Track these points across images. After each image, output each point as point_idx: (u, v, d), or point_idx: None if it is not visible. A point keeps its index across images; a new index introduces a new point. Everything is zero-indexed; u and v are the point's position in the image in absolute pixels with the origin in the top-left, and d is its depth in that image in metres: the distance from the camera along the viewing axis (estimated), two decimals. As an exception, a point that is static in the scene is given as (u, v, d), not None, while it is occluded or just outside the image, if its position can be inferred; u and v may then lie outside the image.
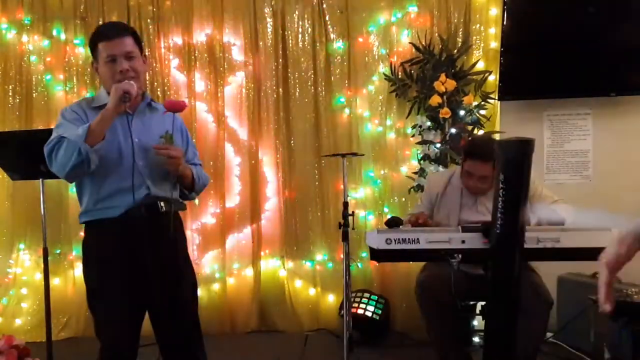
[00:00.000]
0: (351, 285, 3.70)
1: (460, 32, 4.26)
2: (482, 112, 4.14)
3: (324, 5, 4.38)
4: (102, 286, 2.23)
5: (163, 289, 2.25)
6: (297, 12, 4.40)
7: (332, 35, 4.39)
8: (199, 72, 4.45)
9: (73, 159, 2.07)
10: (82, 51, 4.44)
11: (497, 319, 2.28)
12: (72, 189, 4.13)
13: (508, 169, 2.13)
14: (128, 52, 2.21)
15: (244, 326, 4.40)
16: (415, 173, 4.19)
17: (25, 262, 4.47)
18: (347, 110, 4.42)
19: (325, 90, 4.41)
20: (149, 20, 4.41)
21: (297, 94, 4.42)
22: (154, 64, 4.39)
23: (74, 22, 4.43)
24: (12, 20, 4.46)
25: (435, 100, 4.04)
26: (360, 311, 4.00)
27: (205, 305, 4.33)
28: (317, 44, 4.40)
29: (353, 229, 3.35)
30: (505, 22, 3.98)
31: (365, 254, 4.27)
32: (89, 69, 4.39)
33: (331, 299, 4.41)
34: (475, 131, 4.09)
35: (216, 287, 4.44)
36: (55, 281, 4.30)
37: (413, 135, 4.26)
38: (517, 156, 2.13)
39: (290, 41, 4.41)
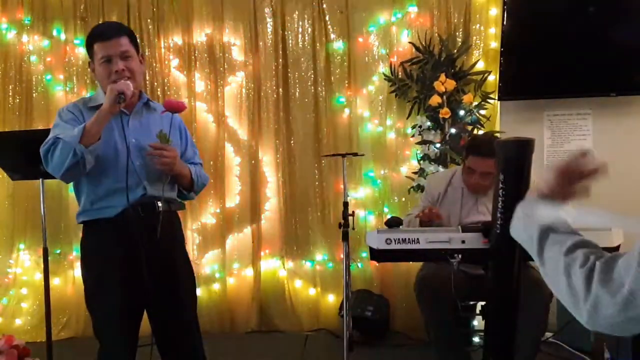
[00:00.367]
0: (351, 285, 3.70)
1: (460, 32, 4.26)
2: (482, 112, 4.14)
3: (324, 5, 4.38)
4: (99, 286, 2.23)
5: (161, 289, 2.25)
6: (297, 12, 4.40)
7: (332, 35, 4.39)
8: (199, 72, 4.45)
9: (68, 160, 2.07)
10: (82, 51, 4.44)
11: (497, 319, 2.28)
12: (71, 189, 4.12)
13: (508, 169, 2.13)
14: (123, 52, 2.21)
15: (243, 326, 4.40)
16: (415, 173, 4.19)
17: (25, 262, 4.47)
18: (347, 110, 4.42)
19: (325, 90, 4.41)
20: (149, 20, 4.40)
21: (297, 94, 4.42)
22: (154, 64, 4.39)
23: (74, 22, 4.43)
24: (12, 20, 4.46)
25: (435, 100, 4.04)
26: (360, 311, 4.00)
27: (205, 305, 4.34)
28: (317, 44, 4.40)
29: (353, 229, 3.34)
30: (505, 22, 3.98)
31: (365, 254, 4.27)
32: (88, 69, 4.38)
33: (331, 299, 4.40)
34: (475, 131, 4.09)
35: (216, 287, 4.44)
36: (55, 281, 4.30)
37: (413, 135, 4.26)
38: (517, 156, 2.12)
39: (290, 41, 4.42)
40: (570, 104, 4.15)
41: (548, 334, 3.43)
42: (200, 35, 4.44)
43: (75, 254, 4.37)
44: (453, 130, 4.08)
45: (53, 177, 3.14)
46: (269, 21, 4.42)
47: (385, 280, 4.34)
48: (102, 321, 2.25)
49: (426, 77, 4.16)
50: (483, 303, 2.61)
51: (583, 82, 3.96)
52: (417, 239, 2.40)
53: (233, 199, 4.48)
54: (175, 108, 2.28)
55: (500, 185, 2.13)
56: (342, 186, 3.54)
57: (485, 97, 4.14)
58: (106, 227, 2.20)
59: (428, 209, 2.95)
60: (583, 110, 4.16)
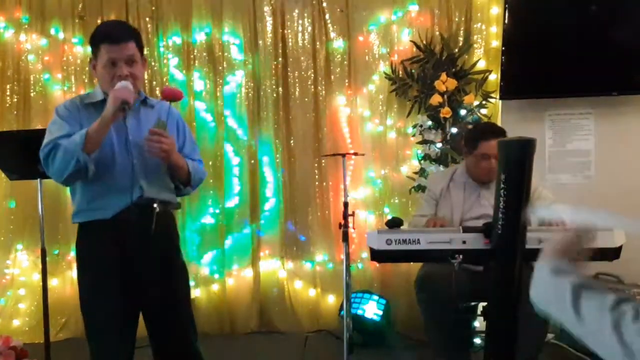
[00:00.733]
0: (351, 286, 3.68)
1: (462, 31, 4.25)
2: (483, 111, 4.13)
3: (324, 4, 4.36)
4: (95, 291, 2.20)
5: (157, 290, 2.22)
6: (296, 11, 4.38)
7: (332, 34, 4.37)
8: (198, 71, 4.43)
9: (70, 167, 2.06)
10: (80, 50, 4.42)
11: (499, 320, 2.27)
12: (70, 189, 4.11)
13: (509, 169, 2.11)
14: (129, 56, 2.19)
15: (243, 327, 4.38)
16: (416, 173, 4.17)
17: (23, 263, 4.45)
18: (347, 110, 4.40)
19: (325, 90, 4.39)
20: (147, 18, 4.38)
21: (296, 93, 4.40)
22: (153, 63, 4.37)
23: (72, 21, 4.41)
24: (10, 19, 4.43)
25: (436, 99, 4.02)
26: (360, 312, 3.98)
27: (204, 306, 4.33)
28: (317, 43, 4.38)
29: (353, 229, 3.33)
30: (506, 21, 3.95)
31: (365, 255, 4.25)
32: (87, 68, 4.37)
33: (331, 300, 4.38)
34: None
35: (215, 287, 4.41)
36: (53, 282, 4.27)
37: (414, 135, 4.24)
38: (519, 156, 2.11)
39: (290, 40, 4.39)
40: (571, 103, 4.13)
41: (550, 336, 3.41)
42: (200, 34, 4.42)
43: (73, 254, 4.34)
44: (454, 130, 4.06)
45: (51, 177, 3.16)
46: (269, 20, 4.40)
47: (385, 281, 4.32)
48: (96, 328, 2.22)
49: (427, 76, 4.14)
50: (484, 304, 2.59)
51: (585, 82, 3.94)
52: (418, 239, 2.38)
53: (232, 199, 4.46)
54: (173, 96, 2.27)
55: (502, 185, 2.11)
56: (342, 186, 3.52)
57: (486, 96, 4.12)
58: (102, 229, 2.17)
59: (434, 223, 2.93)
60: (585, 110, 4.14)
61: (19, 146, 3.17)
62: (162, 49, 4.41)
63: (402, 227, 2.76)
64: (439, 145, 4.07)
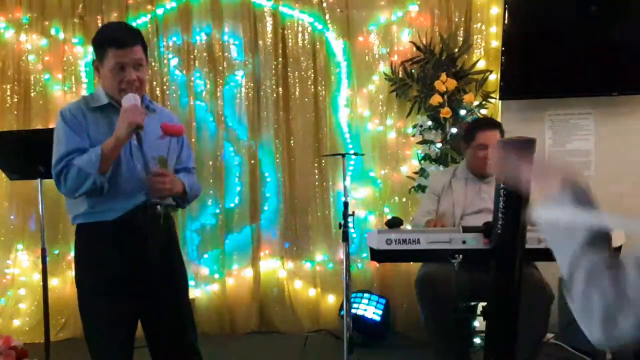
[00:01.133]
0: (351, 285, 3.68)
1: (461, 31, 4.25)
2: (483, 111, 4.12)
3: (324, 4, 4.36)
4: (95, 292, 2.18)
5: (158, 291, 2.22)
6: (297, 11, 4.38)
7: (332, 34, 4.37)
8: (198, 71, 4.43)
9: (85, 187, 2.06)
10: (80, 50, 4.43)
11: (498, 319, 2.27)
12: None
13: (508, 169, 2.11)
14: (137, 60, 2.17)
15: (243, 327, 4.38)
16: (416, 173, 4.17)
17: (23, 263, 4.45)
18: (347, 110, 4.40)
19: (325, 90, 4.39)
20: (148, 18, 4.39)
21: (296, 93, 4.40)
22: (153, 63, 4.37)
23: (72, 21, 4.42)
24: (10, 19, 4.44)
25: (435, 99, 4.02)
26: (360, 312, 3.98)
27: (204, 306, 4.33)
28: (317, 43, 4.38)
29: (353, 229, 3.33)
30: (506, 21, 3.96)
31: (365, 255, 4.25)
32: (87, 69, 4.37)
33: (331, 300, 4.39)
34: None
35: (215, 287, 4.41)
36: (53, 282, 4.27)
37: (414, 135, 4.24)
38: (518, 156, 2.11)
39: (290, 40, 4.39)
40: (571, 103, 4.13)
41: (549, 335, 3.41)
42: (200, 34, 4.42)
43: (73, 254, 4.33)
44: (454, 130, 4.06)
45: (51, 177, 3.15)
46: (269, 20, 4.40)
47: (385, 281, 4.32)
48: (96, 329, 2.20)
49: (427, 76, 4.14)
50: (484, 304, 2.59)
51: (584, 82, 3.95)
52: (418, 239, 2.39)
53: (233, 199, 4.46)
54: (172, 132, 2.26)
55: (502, 185, 2.11)
56: (342, 186, 3.52)
57: (486, 96, 4.13)
58: (105, 230, 2.16)
59: (434, 223, 2.97)
60: (584, 110, 4.14)
61: (19, 146, 3.17)
62: (162, 49, 4.41)
63: (402, 227, 2.77)
64: (439, 145, 4.07)
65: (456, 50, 4.17)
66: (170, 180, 2.20)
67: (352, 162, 4.31)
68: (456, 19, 4.24)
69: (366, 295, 4.10)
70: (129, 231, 2.15)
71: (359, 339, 3.78)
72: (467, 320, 3.24)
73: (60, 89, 4.44)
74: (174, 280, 2.30)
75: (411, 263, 3.64)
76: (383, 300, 4.08)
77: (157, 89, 4.39)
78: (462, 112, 4.07)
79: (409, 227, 3.96)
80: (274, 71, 4.40)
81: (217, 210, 4.42)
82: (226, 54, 4.42)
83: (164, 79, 4.41)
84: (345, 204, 3.30)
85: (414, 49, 4.23)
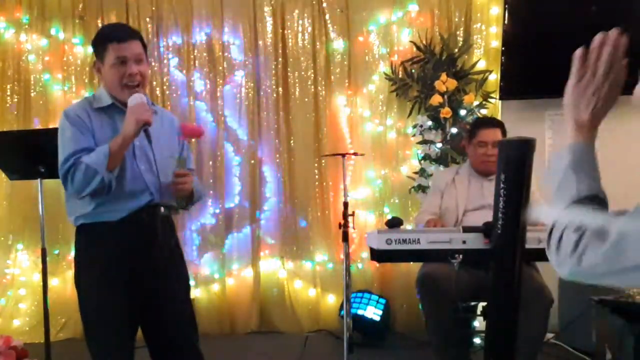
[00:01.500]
0: (351, 285, 3.68)
1: (461, 31, 4.25)
2: (483, 111, 4.13)
3: (324, 4, 4.36)
4: (96, 292, 2.17)
5: (160, 291, 2.22)
6: (296, 11, 4.38)
7: (332, 34, 4.37)
8: (199, 72, 4.43)
9: (93, 185, 2.04)
10: (80, 50, 4.43)
11: (498, 319, 2.27)
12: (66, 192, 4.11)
13: (509, 169, 2.11)
14: (138, 55, 2.17)
15: (243, 327, 4.38)
16: (416, 173, 4.17)
17: (23, 263, 4.45)
18: (347, 110, 4.40)
19: (325, 90, 4.39)
20: (147, 19, 4.39)
21: (296, 93, 4.41)
22: (153, 63, 4.37)
23: (72, 21, 4.42)
24: (10, 19, 4.44)
25: (436, 99, 4.02)
26: (360, 312, 3.98)
27: (204, 306, 4.33)
28: (317, 43, 4.38)
29: (353, 229, 3.33)
30: (506, 21, 3.96)
31: (365, 255, 4.25)
32: (87, 68, 4.37)
33: (331, 300, 4.39)
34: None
35: (216, 287, 4.41)
36: (53, 282, 4.27)
37: (414, 135, 4.24)
38: (518, 156, 2.11)
39: (290, 40, 4.40)
40: (571, 103, 4.12)
41: (549, 335, 3.41)
42: (200, 34, 4.42)
43: (73, 254, 4.33)
44: (454, 130, 4.06)
45: (51, 177, 3.15)
46: (269, 20, 4.40)
47: (385, 281, 4.32)
48: (98, 330, 2.19)
49: (427, 76, 4.14)
50: (484, 304, 2.59)
51: (584, 82, 3.94)
52: (418, 239, 2.38)
53: (233, 199, 4.46)
54: (193, 134, 2.25)
55: (502, 185, 2.11)
56: (342, 186, 3.52)
57: (486, 96, 4.13)
58: (108, 231, 2.15)
59: (434, 223, 2.99)
60: (584, 110, 4.13)
61: (19, 146, 3.17)
62: (162, 49, 4.41)
63: (402, 227, 2.77)
64: (439, 145, 4.08)
65: (456, 50, 4.17)
66: (190, 180, 2.23)
67: (352, 162, 4.31)
68: (456, 19, 4.25)
69: (366, 295, 4.10)
70: (133, 232, 2.15)
71: (359, 339, 3.79)
72: (467, 320, 3.24)
73: (60, 89, 4.44)
74: (176, 281, 2.30)
75: (411, 263, 3.64)
76: (383, 300, 4.08)
77: (157, 89, 4.39)
78: (462, 112, 4.07)
79: (409, 226, 3.97)
80: (274, 71, 4.40)
81: (217, 210, 4.42)
82: (226, 54, 4.42)
83: (164, 79, 4.41)
84: (345, 204, 3.30)
85: (414, 49, 4.24)
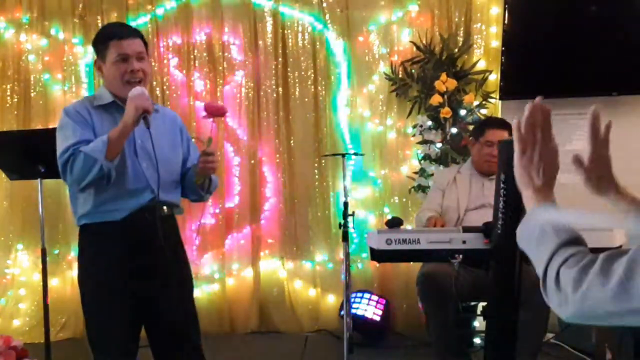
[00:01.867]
0: (351, 286, 3.68)
1: (461, 31, 4.25)
2: (483, 111, 4.13)
3: (324, 4, 4.36)
4: (100, 292, 2.17)
5: (164, 293, 2.21)
6: (297, 11, 4.38)
7: (332, 34, 4.37)
8: (198, 72, 4.43)
9: (92, 174, 2.03)
10: (80, 50, 4.43)
11: (498, 319, 2.27)
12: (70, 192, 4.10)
13: (509, 169, 2.11)
14: (139, 52, 2.18)
15: (243, 327, 4.38)
16: (416, 173, 4.17)
17: (23, 263, 4.45)
18: (347, 110, 4.40)
19: (325, 90, 4.39)
20: (147, 18, 4.39)
21: (296, 93, 4.41)
22: (153, 63, 4.37)
23: (72, 21, 4.42)
24: (10, 19, 4.44)
25: (436, 99, 4.02)
26: (360, 312, 3.98)
27: (204, 306, 4.32)
28: (317, 43, 4.38)
29: (353, 229, 3.33)
30: (506, 21, 3.95)
31: (365, 255, 4.25)
32: (87, 69, 4.37)
33: (331, 300, 4.39)
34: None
35: (216, 287, 4.41)
36: (53, 282, 4.27)
37: (414, 135, 4.24)
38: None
39: (290, 40, 4.40)
40: (571, 103, 4.11)
41: (549, 335, 3.41)
42: (200, 34, 4.42)
43: (73, 254, 4.34)
44: (454, 130, 4.06)
45: (51, 177, 3.15)
46: (269, 20, 4.40)
47: (385, 281, 4.32)
48: (100, 330, 2.19)
49: (427, 76, 4.14)
50: (484, 304, 2.59)
51: (584, 82, 3.94)
52: (418, 239, 2.38)
53: (233, 199, 4.46)
54: (217, 112, 2.24)
55: (502, 185, 2.11)
56: (342, 186, 3.52)
57: (486, 96, 4.13)
58: (111, 231, 2.15)
59: (434, 223, 2.99)
60: (585, 110, 4.08)
61: (19, 146, 3.17)
62: (162, 49, 4.41)
63: (402, 227, 2.77)
64: (439, 145, 4.08)
65: (456, 50, 4.17)
66: (217, 160, 2.27)
67: (352, 162, 4.31)
68: (456, 19, 4.25)
69: (366, 295, 4.10)
70: (135, 231, 2.14)
71: (359, 339, 3.78)
72: (467, 320, 3.25)
73: (60, 89, 4.44)
74: (179, 281, 2.30)
75: (411, 263, 3.64)
76: (383, 300, 4.08)
77: (157, 89, 4.39)
78: (462, 112, 4.07)
79: (409, 226, 3.97)
80: (274, 71, 4.40)
81: (217, 210, 4.42)
82: (226, 54, 4.42)
83: (164, 79, 4.41)
84: (345, 204, 3.30)
85: (414, 49, 4.24)
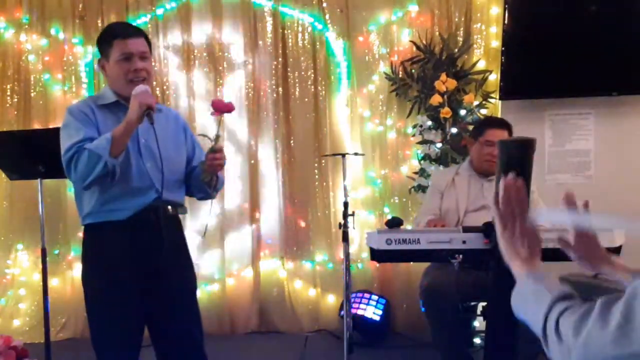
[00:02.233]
0: (351, 285, 3.68)
1: (461, 31, 4.25)
2: (483, 111, 4.13)
3: (324, 4, 4.36)
4: (104, 292, 2.16)
5: (168, 293, 2.21)
6: (296, 11, 4.38)
7: (332, 34, 4.37)
8: (199, 72, 4.43)
9: (97, 171, 2.03)
10: (80, 50, 4.43)
11: (498, 319, 2.27)
12: (70, 189, 4.11)
13: (509, 169, 2.10)
14: (143, 52, 2.18)
15: (243, 327, 4.38)
16: (416, 173, 4.17)
17: (23, 263, 4.45)
18: (347, 110, 4.40)
19: (325, 90, 4.39)
20: (148, 18, 4.39)
21: (296, 93, 4.41)
22: (153, 63, 4.35)
23: (72, 21, 4.42)
24: (10, 19, 4.44)
25: (436, 99, 4.02)
26: (360, 312, 3.98)
27: (204, 306, 4.28)
28: (317, 43, 4.38)
29: (353, 229, 3.33)
30: (506, 21, 3.95)
31: (365, 255, 4.25)
32: (87, 69, 4.37)
33: (331, 300, 4.39)
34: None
35: (216, 287, 4.41)
36: (53, 282, 4.27)
37: (414, 135, 4.24)
38: (518, 156, 2.10)
39: (290, 40, 4.39)
40: (571, 103, 4.12)
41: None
42: (200, 34, 4.42)
43: (74, 254, 4.34)
44: (454, 130, 4.06)
45: (52, 177, 3.15)
46: (269, 20, 4.40)
47: (385, 281, 4.32)
48: (103, 330, 2.18)
49: (427, 76, 4.14)
50: (484, 304, 2.59)
51: (584, 82, 3.94)
52: (418, 239, 2.38)
53: (233, 199, 4.46)
54: (225, 109, 2.25)
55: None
56: (342, 186, 3.52)
57: (486, 96, 4.13)
58: (116, 230, 2.15)
59: (435, 224, 2.97)
60: (584, 110, 4.14)
61: (19, 146, 3.16)
62: (162, 50, 4.41)
63: (402, 227, 2.77)
64: (439, 145, 4.07)
65: (456, 50, 4.17)
66: (224, 157, 2.27)
67: (352, 162, 4.30)
68: (456, 19, 4.25)
69: (366, 295, 4.10)
70: (139, 231, 2.14)
71: (359, 339, 3.78)
72: (467, 320, 3.24)
73: (60, 89, 4.44)
74: (183, 282, 2.30)
75: (411, 263, 3.64)
76: (383, 300, 4.08)
77: (157, 89, 4.39)
78: (462, 112, 4.07)
79: (409, 226, 3.97)
80: (274, 71, 4.40)
81: (217, 210, 4.42)
82: (226, 54, 4.42)
83: (164, 79, 4.41)
84: (345, 204, 3.30)
85: (414, 49, 4.24)
